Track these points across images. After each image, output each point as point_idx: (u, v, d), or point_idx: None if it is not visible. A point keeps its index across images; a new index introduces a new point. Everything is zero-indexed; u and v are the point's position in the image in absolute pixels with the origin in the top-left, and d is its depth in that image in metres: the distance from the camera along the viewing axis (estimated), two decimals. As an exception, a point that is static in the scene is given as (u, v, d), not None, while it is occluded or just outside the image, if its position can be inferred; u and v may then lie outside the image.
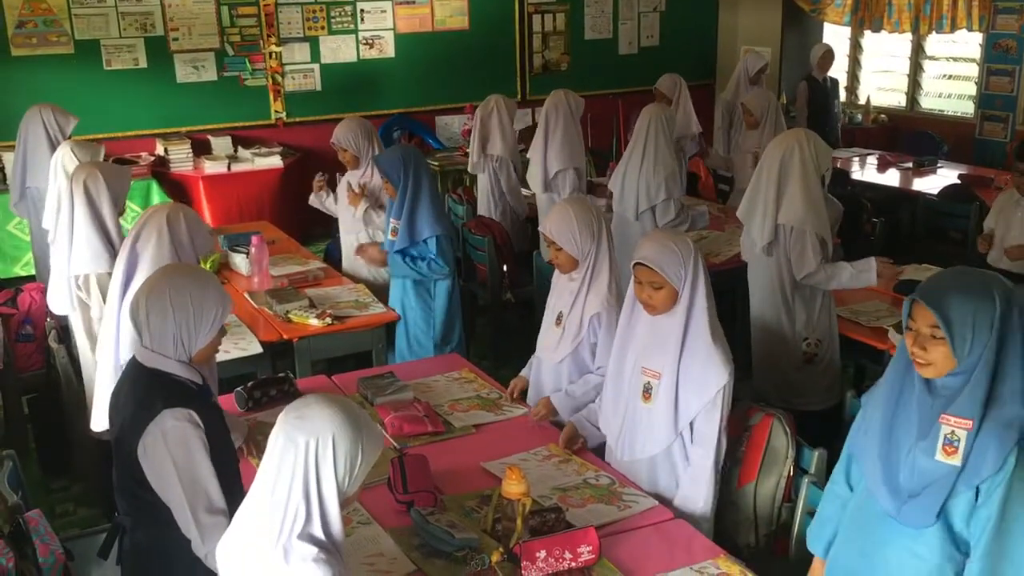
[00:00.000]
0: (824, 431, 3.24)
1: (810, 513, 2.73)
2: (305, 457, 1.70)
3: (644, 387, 2.78)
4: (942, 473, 2.04)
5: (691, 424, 2.73)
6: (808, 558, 2.79)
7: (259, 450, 2.76)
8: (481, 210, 5.95)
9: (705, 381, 2.69)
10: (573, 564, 2.30)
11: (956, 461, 2.03)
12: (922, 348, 2.05)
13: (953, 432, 2.03)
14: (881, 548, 2.19)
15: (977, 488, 2.03)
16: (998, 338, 1.99)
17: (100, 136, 6.67)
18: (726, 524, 2.89)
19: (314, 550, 1.68)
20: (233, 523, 1.80)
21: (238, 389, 3.24)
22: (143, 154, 7.19)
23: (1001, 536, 2.00)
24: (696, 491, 2.72)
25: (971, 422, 2.02)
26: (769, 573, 2.42)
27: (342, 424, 1.73)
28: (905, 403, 2.13)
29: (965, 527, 2.07)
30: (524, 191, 5.93)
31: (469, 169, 6.17)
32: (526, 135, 5.98)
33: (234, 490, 2.29)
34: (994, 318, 1.99)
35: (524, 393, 3.34)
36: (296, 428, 1.73)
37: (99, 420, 3.10)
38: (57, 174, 4.30)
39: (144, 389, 2.26)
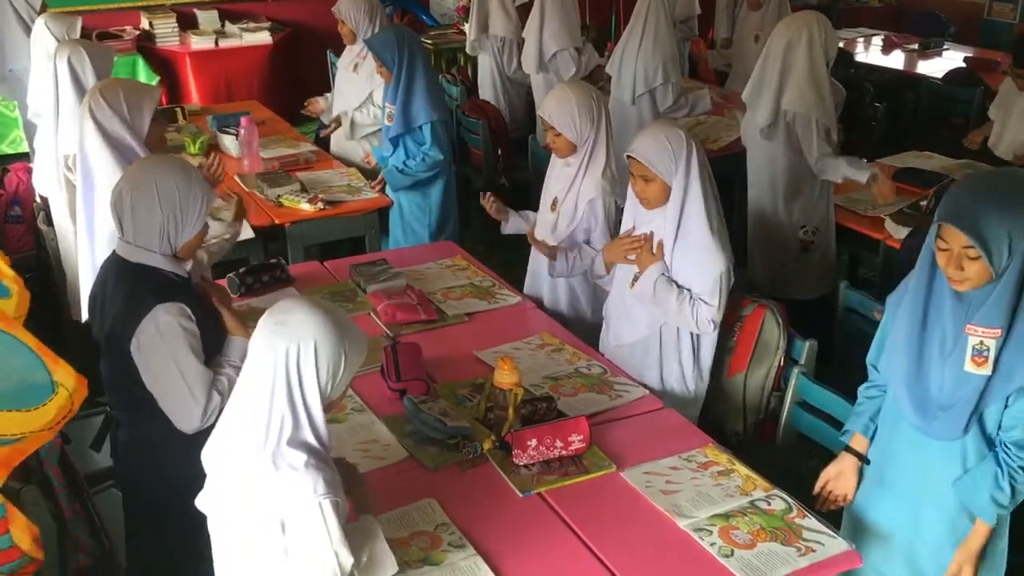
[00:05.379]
0: (816, 320, 3.26)
1: (798, 403, 2.78)
2: (286, 363, 1.66)
3: (634, 276, 2.80)
4: (972, 384, 2.01)
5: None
6: (794, 443, 2.86)
7: None
8: (484, 93, 5.80)
9: (703, 271, 2.68)
10: (564, 452, 2.34)
11: (986, 371, 2.00)
12: (958, 268, 1.97)
13: (982, 342, 1.98)
14: (912, 451, 2.18)
15: (1007, 396, 2.02)
16: None
17: (81, 8, 6.43)
18: (715, 412, 2.93)
19: (304, 456, 1.67)
20: (217, 429, 1.79)
21: (230, 275, 3.22)
22: (127, 28, 6.95)
23: None
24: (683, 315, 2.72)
25: (1000, 331, 1.97)
26: (755, 459, 2.46)
27: (324, 330, 1.68)
28: (935, 315, 2.06)
29: (997, 431, 2.07)
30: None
31: (467, 50, 6.00)
32: (522, 13, 5.78)
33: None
34: None
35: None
36: (276, 333, 1.68)
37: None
38: (35, 51, 4.17)
39: (132, 285, 2.23)
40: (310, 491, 1.66)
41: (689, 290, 2.71)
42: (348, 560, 1.69)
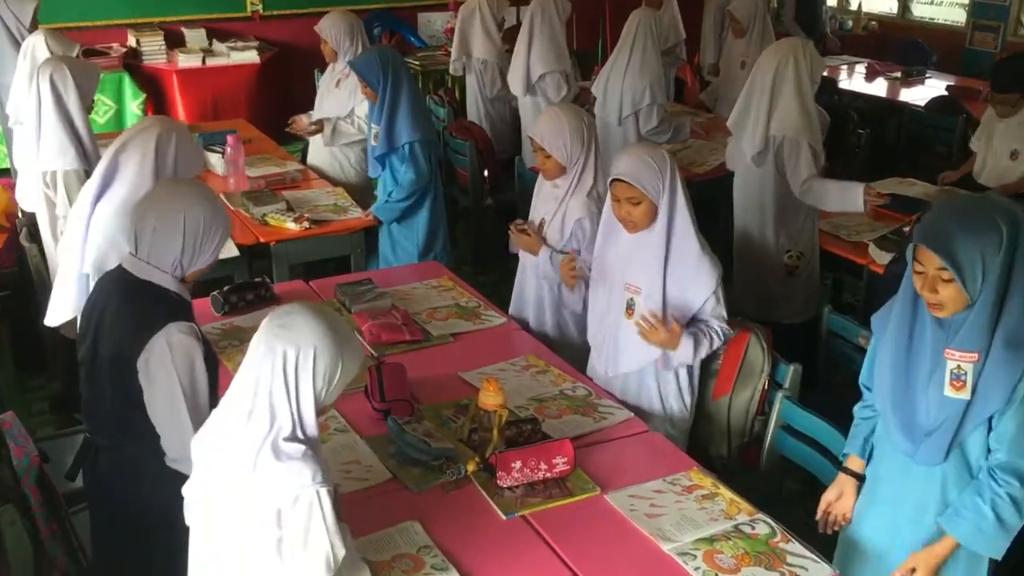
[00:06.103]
0: (800, 344, 3.27)
1: (782, 427, 2.77)
2: (284, 366, 1.70)
3: (628, 303, 2.79)
4: (953, 409, 2.02)
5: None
6: (778, 467, 2.85)
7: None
8: (470, 114, 5.83)
9: (699, 286, 2.70)
10: (548, 474, 2.33)
11: (965, 395, 2.01)
12: (932, 290, 1.99)
13: (959, 366, 2.00)
14: (897, 473, 2.19)
15: (989, 420, 2.02)
16: (1006, 265, 1.94)
17: (69, 25, 6.43)
18: (699, 435, 2.93)
19: (302, 448, 1.71)
20: (211, 421, 1.81)
21: (214, 293, 3.21)
22: (114, 45, 6.96)
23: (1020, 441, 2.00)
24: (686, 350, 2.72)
25: (976, 355, 1.98)
26: (739, 483, 2.45)
27: (325, 336, 1.72)
28: (918, 339, 2.08)
29: (983, 458, 2.06)
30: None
31: (450, 71, 6.03)
32: (509, 36, 5.82)
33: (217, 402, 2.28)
34: (1001, 248, 1.93)
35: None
36: (277, 337, 1.72)
37: (54, 315, 3.06)
38: (25, 61, 4.17)
39: (142, 302, 2.20)
40: (308, 479, 1.69)
41: (702, 320, 2.73)
42: (341, 550, 1.73)
